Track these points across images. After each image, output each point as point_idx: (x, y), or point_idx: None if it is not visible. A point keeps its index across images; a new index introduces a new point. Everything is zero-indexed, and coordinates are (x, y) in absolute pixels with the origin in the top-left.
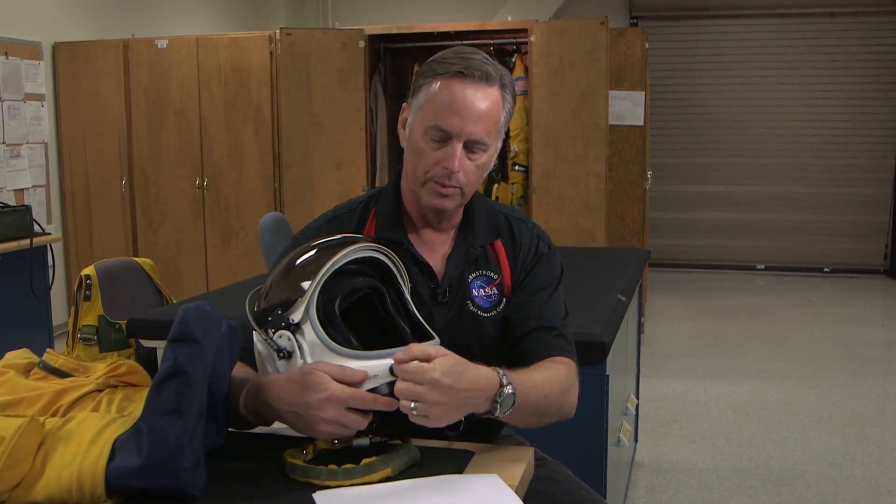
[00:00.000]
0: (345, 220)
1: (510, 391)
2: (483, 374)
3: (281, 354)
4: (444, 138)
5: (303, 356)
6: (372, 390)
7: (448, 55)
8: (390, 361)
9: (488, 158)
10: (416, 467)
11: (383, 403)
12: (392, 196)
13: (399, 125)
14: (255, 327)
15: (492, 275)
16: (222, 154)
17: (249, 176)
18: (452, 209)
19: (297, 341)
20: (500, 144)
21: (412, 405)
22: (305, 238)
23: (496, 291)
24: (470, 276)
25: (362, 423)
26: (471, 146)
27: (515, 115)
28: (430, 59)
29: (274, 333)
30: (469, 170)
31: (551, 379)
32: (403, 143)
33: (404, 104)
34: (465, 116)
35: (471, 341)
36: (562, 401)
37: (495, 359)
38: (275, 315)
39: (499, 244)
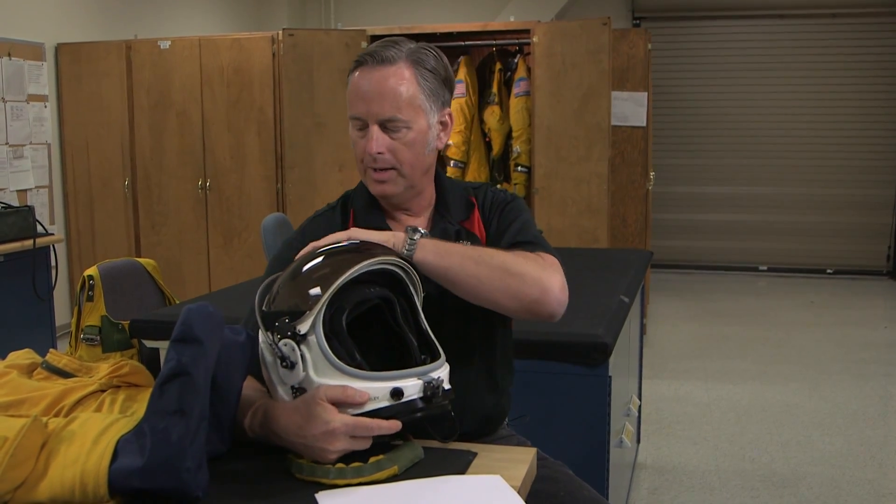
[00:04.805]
0: (329, 216)
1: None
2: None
3: (284, 363)
4: (363, 126)
5: (305, 369)
6: (374, 410)
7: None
8: (392, 384)
9: (417, 135)
10: (418, 468)
11: (386, 427)
12: (366, 190)
13: None
14: (262, 328)
15: (466, 244)
16: (225, 155)
17: (252, 177)
18: (398, 192)
19: (300, 353)
20: (439, 121)
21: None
22: (296, 241)
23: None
24: None
25: (366, 443)
26: (386, 125)
27: (517, 116)
28: None
29: (279, 340)
30: (396, 149)
31: (512, 254)
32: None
33: None
34: (367, 100)
35: (457, 315)
36: (519, 265)
37: (481, 328)
38: (282, 322)
39: (472, 218)
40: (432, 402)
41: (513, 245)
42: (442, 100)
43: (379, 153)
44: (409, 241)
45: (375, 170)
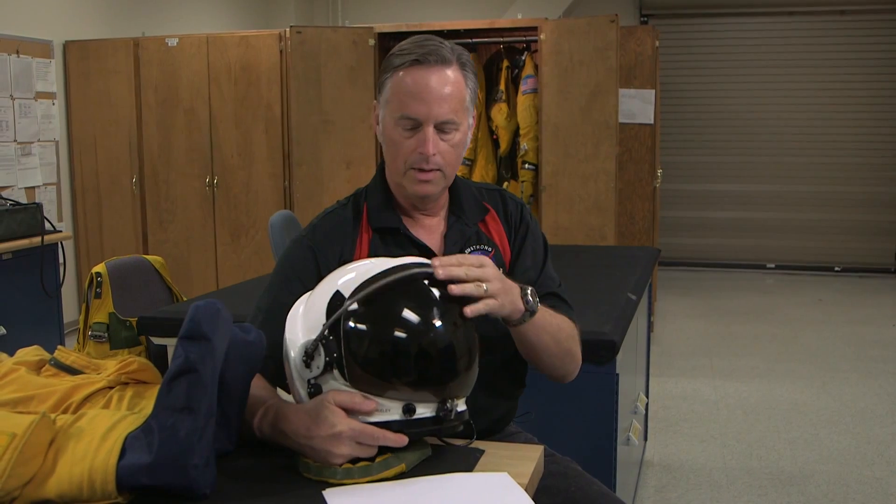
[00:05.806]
0: (339, 214)
1: (529, 289)
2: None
3: (305, 359)
4: (415, 126)
5: (321, 374)
6: (384, 423)
7: (405, 46)
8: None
9: (462, 136)
10: (426, 465)
11: (391, 440)
12: (380, 187)
13: (373, 121)
14: (326, 311)
15: (486, 248)
16: (232, 152)
17: (259, 174)
18: (437, 193)
19: (323, 371)
20: (472, 122)
21: (484, 286)
22: (307, 239)
23: (493, 264)
24: (466, 251)
25: (371, 452)
26: (441, 127)
27: (525, 114)
28: (390, 52)
29: (317, 347)
30: (445, 150)
31: (561, 318)
32: (380, 139)
33: (374, 101)
34: (428, 101)
35: (473, 319)
36: (572, 344)
37: (496, 332)
38: (329, 340)
39: (489, 220)
40: (444, 424)
41: (547, 295)
42: (476, 100)
43: (433, 154)
44: (524, 316)
45: (421, 170)
